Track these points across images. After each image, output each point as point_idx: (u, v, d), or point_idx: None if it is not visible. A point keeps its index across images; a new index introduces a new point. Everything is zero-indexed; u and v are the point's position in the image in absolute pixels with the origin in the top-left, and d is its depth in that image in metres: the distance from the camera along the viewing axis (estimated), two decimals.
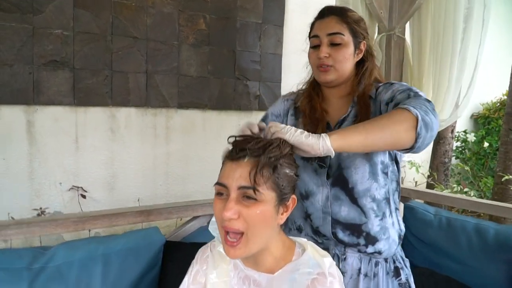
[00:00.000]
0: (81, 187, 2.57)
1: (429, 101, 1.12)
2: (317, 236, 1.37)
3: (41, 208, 2.40)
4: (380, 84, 1.32)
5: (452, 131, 3.88)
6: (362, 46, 1.32)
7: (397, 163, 1.37)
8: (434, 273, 1.88)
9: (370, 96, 1.30)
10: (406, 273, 1.38)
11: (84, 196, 2.56)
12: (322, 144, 0.97)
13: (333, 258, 1.30)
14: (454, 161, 4.60)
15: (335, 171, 1.31)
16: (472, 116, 5.07)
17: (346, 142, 1.00)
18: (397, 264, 1.36)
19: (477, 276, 1.85)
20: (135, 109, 2.73)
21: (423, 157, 4.17)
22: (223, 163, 0.98)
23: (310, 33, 1.36)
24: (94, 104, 2.57)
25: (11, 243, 1.80)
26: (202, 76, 2.93)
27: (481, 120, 4.92)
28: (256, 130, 1.01)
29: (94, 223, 1.63)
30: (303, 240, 1.07)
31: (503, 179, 3.08)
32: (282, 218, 0.98)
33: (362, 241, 1.31)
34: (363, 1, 2.43)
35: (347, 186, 1.30)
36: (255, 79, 3.14)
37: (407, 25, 2.50)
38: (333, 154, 0.99)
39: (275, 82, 3.24)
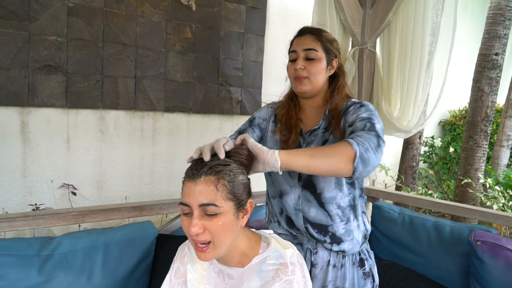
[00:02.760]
0: (72, 185, 2.70)
1: (378, 137, 1.24)
2: (292, 230, 1.52)
3: (36, 204, 2.53)
4: (352, 101, 1.47)
5: (420, 137, 4.12)
6: (334, 63, 1.50)
7: None
8: (396, 265, 2.09)
9: (340, 111, 1.46)
10: (370, 264, 1.55)
11: (74, 194, 2.70)
12: (270, 156, 1.11)
13: (305, 252, 1.50)
14: (422, 165, 4.85)
15: (306, 176, 1.46)
16: (440, 122, 5.33)
17: (292, 161, 1.13)
18: (362, 256, 1.53)
19: (434, 267, 2.06)
20: (124, 112, 2.88)
21: (392, 160, 4.42)
22: (183, 183, 1.07)
23: (289, 48, 1.53)
24: (85, 107, 2.71)
25: (5, 235, 1.90)
26: (187, 82, 3.08)
27: (448, 127, 5.18)
28: (207, 158, 1.06)
29: (92, 217, 1.79)
30: (267, 233, 1.23)
31: (462, 182, 3.33)
32: (243, 221, 1.11)
33: (328, 239, 1.47)
34: (338, 17, 2.62)
35: (316, 191, 1.46)
36: (237, 85, 3.32)
37: (378, 40, 2.72)
38: (278, 169, 1.11)
39: (256, 88, 3.42)
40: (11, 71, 2.43)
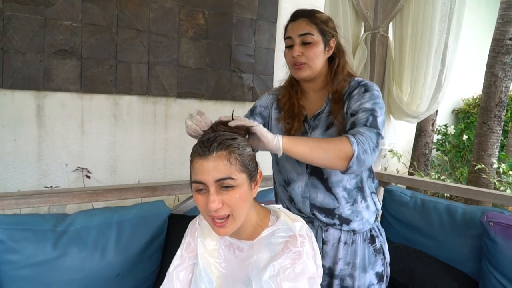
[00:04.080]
0: (86, 169, 2.75)
1: (378, 134, 1.30)
2: (301, 215, 1.53)
3: (51, 187, 2.58)
4: (356, 81, 1.46)
5: (433, 124, 4.10)
6: (332, 44, 1.47)
7: None
8: (406, 247, 2.10)
9: (343, 94, 1.45)
10: (381, 241, 1.57)
11: (88, 177, 2.75)
12: (275, 142, 1.16)
13: (316, 230, 1.52)
14: (435, 153, 4.82)
15: None
16: (453, 111, 5.30)
17: (293, 148, 1.19)
18: (373, 233, 1.55)
19: (447, 249, 2.06)
20: (137, 97, 2.91)
21: (405, 147, 4.40)
22: (192, 161, 1.10)
23: (284, 34, 1.50)
24: (99, 92, 2.75)
25: (21, 211, 1.94)
26: (200, 68, 3.11)
27: (461, 115, 5.15)
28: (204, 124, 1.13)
29: (106, 196, 1.83)
30: (276, 207, 1.25)
31: (476, 168, 3.31)
32: (255, 192, 1.14)
33: (336, 221, 1.49)
34: (351, 2, 2.63)
35: (323, 176, 1.47)
36: (249, 72, 3.33)
37: (390, 25, 2.70)
38: (280, 154, 1.18)
39: (268, 75, 3.42)
40: (27, 55, 2.48)
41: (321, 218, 1.50)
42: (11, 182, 2.56)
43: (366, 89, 1.41)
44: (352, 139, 1.24)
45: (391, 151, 3.85)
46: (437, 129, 4.87)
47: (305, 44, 1.43)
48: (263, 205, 1.26)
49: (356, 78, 1.49)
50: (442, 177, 3.68)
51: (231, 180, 1.04)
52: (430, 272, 1.86)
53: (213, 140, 1.07)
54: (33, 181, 2.62)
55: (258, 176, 1.15)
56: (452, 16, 2.34)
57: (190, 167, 1.11)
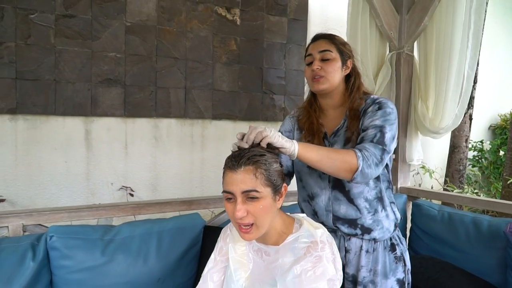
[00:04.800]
0: (130, 187, 2.96)
1: (383, 150, 1.42)
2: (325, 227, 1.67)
3: (100, 204, 2.79)
4: (371, 99, 1.57)
5: (466, 140, 4.09)
6: (349, 64, 1.61)
7: (386, 165, 1.61)
8: (432, 258, 2.15)
9: (360, 111, 1.56)
10: (401, 249, 1.64)
11: (132, 195, 2.95)
12: (292, 149, 1.31)
13: (339, 239, 1.62)
14: (471, 169, 4.77)
15: (335, 177, 1.56)
16: (490, 127, 5.23)
17: (306, 155, 1.33)
18: (393, 241, 1.63)
19: (473, 261, 2.10)
20: (175, 120, 3.12)
21: (438, 163, 4.40)
22: (224, 173, 1.23)
23: (305, 54, 1.65)
24: (141, 116, 2.97)
25: (72, 223, 2.12)
26: (233, 91, 3.29)
27: (498, 131, 5.07)
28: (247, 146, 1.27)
29: (148, 209, 2.01)
30: (300, 216, 1.38)
31: (508, 182, 3.30)
32: (279, 203, 1.28)
33: (358, 231, 1.58)
34: (373, 23, 2.74)
35: (344, 189, 1.58)
36: (280, 93, 3.48)
37: (415, 43, 2.78)
38: (294, 158, 1.32)
39: (298, 95, 3.56)
40: (76, 84, 2.73)
41: (344, 229, 1.60)
42: (62, 201, 2.79)
43: (380, 107, 1.52)
44: (359, 154, 1.37)
45: (423, 167, 3.87)
46: (472, 145, 4.84)
47: (324, 60, 1.57)
48: (289, 214, 1.38)
49: (372, 96, 1.60)
50: (475, 191, 3.66)
51: (255, 193, 1.18)
52: (454, 281, 1.91)
53: (242, 155, 1.21)
54: (82, 200, 2.85)
55: (283, 189, 1.28)
56: (470, 31, 2.40)
57: (222, 178, 1.25)
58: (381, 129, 1.45)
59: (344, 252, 1.62)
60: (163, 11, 2.98)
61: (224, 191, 1.23)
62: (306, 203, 1.69)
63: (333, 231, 1.62)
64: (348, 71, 1.62)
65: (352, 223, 1.58)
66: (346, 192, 1.58)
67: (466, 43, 2.38)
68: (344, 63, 1.60)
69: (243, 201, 1.19)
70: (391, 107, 1.52)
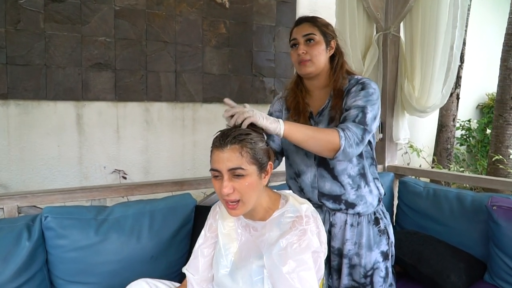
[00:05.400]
0: (122, 170, 3.00)
1: (364, 130, 1.47)
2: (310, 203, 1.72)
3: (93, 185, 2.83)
4: (355, 79, 1.62)
5: (454, 120, 4.16)
6: (333, 44, 1.64)
7: (370, 143, 1.67)
8: (417, 232, 2.23)
9: (343, 90, 1.61)
10: (385, 223, 1.70)
11: (125, 178, 2.99)
12: (278, 128, 1.34)
13: (324, 214, 1.68)
14: (459, 148, 4.85)
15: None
16: (477, 106, 5.30)
17: (291, 133, 1.37)
18: (377, 215, 1.69)
19: (457, 235, 2.19)
20: (166, 103, 3.15)
21: (425, 142, 4.46)
22: (211, 152, 1.27)
23: (290, 38, 1.67)
24: (132, 100, 3.00)
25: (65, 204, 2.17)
26: (223, 74, 3.32)
27: (486, 110, 5.14)
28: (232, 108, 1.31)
29: (140, 190, 2.05)
30: (286, 192, 1.43)
31: (493, 159, 3.37)
32: (265, 181, 1.32)
33: (343, 206, 1.64)
34: (361, 5, 2.77)
35: (329, 166, 1.63)
36: (270, 76, 3.52)
37: (401, 24, 2.82)
38: (280, 136, 1.36)
39: (288, 77, 3.57)
40: (67, 69, 2.75)
41: (329, 205, 1.65)
42: (55, 185, 2.82)
43: (363, 87, 1.56)
44: (342, 134, 1.42)
45: (411, 146, 3.94)
46: (460, 124, 4.91)
47: (308, 43, 1.60)
48: (275, 190, 1.44)
49: (356, 76, 1.64)
50: (461, 169, 3.74)
51: (241, 170, 1.22)
52: (438, 254, 1.98)
53: (228, 134, 1.25)
54: (75, 183, 2.89)
55: (268, 167, 1.33)
56: (457, 12, 2.44)
57: (210, 157, 1.30)
58: (363, 109, 1.50)
59: (330, 226, 1.67)
60: None
61: (211, 169, 1.27)
62: (293, 180, 1.75)
63: (319, 206, 1.68)
64: (332, 52, 1.65)
65: (337, 198, 1.64)
66: (331, 169, 1.63)
67: (451, 23, 2.42)
68: (328, 44, 1.63)
69: (229, 178, 1.23)
70: (373, 88, 1.57)
